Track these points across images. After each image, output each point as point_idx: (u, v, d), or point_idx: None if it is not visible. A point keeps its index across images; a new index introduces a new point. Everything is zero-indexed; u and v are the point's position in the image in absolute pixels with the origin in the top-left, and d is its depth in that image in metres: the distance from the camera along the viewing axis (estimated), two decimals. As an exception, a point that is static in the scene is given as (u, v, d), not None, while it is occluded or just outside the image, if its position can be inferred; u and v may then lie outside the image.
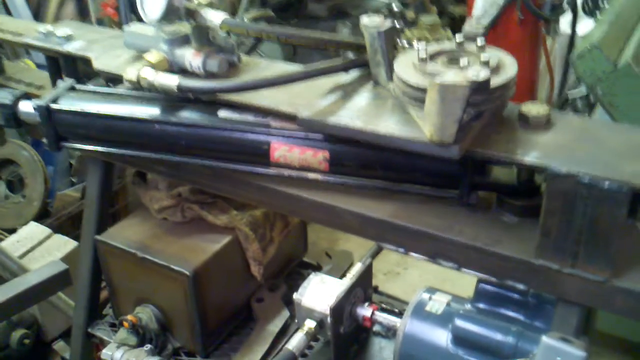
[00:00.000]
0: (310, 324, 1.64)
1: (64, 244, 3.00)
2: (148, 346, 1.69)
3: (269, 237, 1.90)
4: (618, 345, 3.03)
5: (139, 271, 1.78)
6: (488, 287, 1.46)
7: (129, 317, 1.75)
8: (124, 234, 1.83)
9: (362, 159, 1.34)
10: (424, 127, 1.18)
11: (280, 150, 1.40)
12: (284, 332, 1.85)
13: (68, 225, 3.37)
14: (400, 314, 1.57)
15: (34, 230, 3.06)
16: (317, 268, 2.16)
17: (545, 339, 1.16)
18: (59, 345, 2.88)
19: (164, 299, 1.79)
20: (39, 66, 3.17)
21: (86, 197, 1.89)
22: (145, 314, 1.78)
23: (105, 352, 1.69)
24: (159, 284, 1.77)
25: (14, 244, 2.96)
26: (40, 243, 3.01)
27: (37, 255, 2.94)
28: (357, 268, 1.68)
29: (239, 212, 1.85)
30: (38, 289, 2.02)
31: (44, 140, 1.61)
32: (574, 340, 1.16)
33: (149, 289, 1.81)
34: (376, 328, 1.80)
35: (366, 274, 1.69)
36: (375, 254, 1.85)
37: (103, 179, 1.86)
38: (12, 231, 3.13)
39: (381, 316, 1.64)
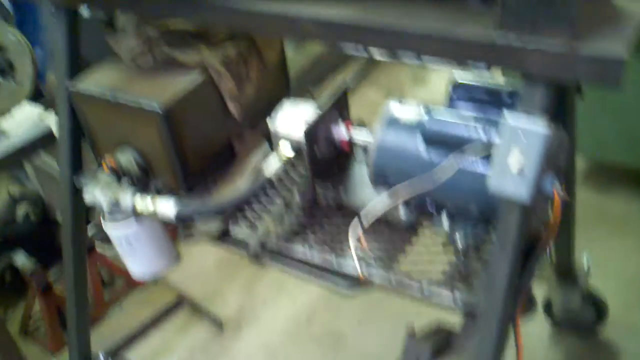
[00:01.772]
0: (284, 149, 1.62)
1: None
2: (125, 181, 1.69)
3: (245, 75, 1.85)
4: (628, 177, 3.00)
5: (114, 116, 1.76)
6: (460, 88, 1.42)
7: (108, 159, 1.74)
8: (96, 81, 1.79)
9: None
10: None
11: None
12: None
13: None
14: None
15: (29, 110, 3.05)
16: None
17: (507, 116, 1.13)
18: (64, 217, 2.93)
19: (142, 142, 1.78)
20: None
21: (54, 50, 1.84)
22: (124, 157, 1.78)
23: (86, 196, 1.70)
24: (135, 127, 1.75)
25: (11, 125, 2.96)
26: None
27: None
28: (331, 91, 1.64)
29: (210, 50, 1.79)
30: (23, 148, 2.05)
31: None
32: (537, 116, 1.12)
33: (126, 133, 1.79)
34: (357, 153, 1.78)
35: (341, 97, 1.64)
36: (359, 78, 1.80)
37: (68, 29, 1.79)
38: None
39: (358, 135, 1.61)
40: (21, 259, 2.66)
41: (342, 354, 2.58)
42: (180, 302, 2.90)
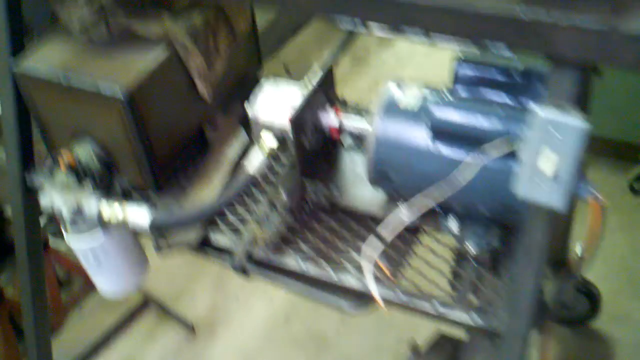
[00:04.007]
0: (269, 140, 1.43)
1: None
2: (87, 181, 1.47)
3: (214, 48, 1.63)
4: (611, 149, 2.87)
5: (68, 102, 1.53)
6: (467, 68, 1.24)
7: (65, 154, 1.52)
8: (45, 60, 1.55)
9: None
10: None
11: None
12: (244, 156, 1.64)
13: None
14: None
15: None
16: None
17: (537, 109, 0.95)
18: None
19: (102, 132, 1.55)
20: None
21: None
22: (83, 151, 1.55)
23: (43, 200, 1.47)
24: (93, 115, 1.52)
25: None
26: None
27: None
28: (316, 71, 1.45)
29: (174, 20, 1.57)
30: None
31: None
32: (571, 108, 0.95)
33: (83, 122, 1.56)
34: (347, 142, 1.60)
35: (328, 77, 1.45)
36: (341, 47, 1.62)
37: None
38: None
39: (350, 123, 1.43)
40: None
41: (324, 358, 2.41)
42: (146, 304, 2.68)
